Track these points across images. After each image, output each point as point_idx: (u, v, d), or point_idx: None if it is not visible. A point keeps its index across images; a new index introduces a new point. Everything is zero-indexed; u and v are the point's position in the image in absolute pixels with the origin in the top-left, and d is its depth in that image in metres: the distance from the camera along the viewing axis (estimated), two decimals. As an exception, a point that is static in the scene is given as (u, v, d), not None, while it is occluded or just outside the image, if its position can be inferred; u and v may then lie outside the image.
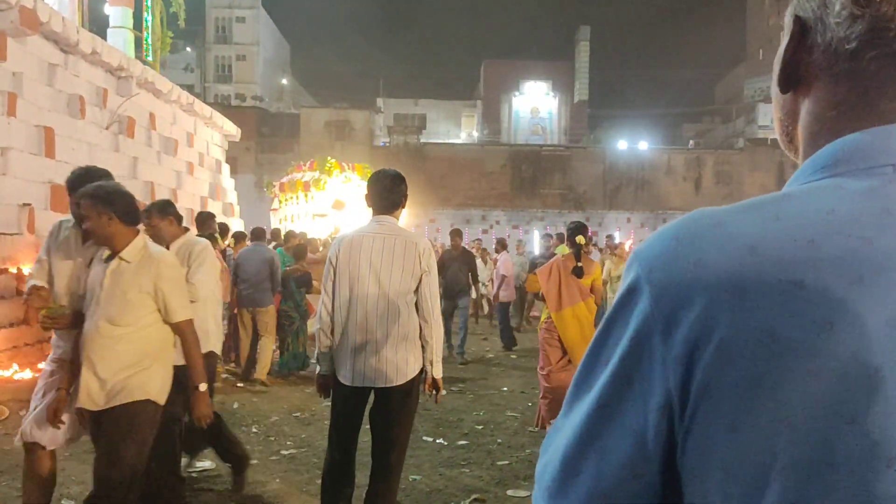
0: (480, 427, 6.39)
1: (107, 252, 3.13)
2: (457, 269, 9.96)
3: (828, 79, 0.72)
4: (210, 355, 4.32)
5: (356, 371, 3.43)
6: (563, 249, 6.23)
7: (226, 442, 4.62)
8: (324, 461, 3.65)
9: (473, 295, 11.02)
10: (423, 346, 3.54)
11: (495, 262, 12.89)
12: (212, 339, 4.49)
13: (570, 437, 0.70)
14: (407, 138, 36.14)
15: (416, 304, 3.51)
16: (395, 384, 3.44)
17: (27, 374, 7.56)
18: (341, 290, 3.46)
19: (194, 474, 4.87)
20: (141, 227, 3.30)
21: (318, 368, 3.59)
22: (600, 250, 14.91)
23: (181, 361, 3.35)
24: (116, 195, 3.10)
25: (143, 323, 3.11)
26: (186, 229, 4.48)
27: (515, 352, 10.97)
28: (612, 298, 8.32)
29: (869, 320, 0.59)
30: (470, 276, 10.18)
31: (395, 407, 3.47)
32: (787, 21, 0.76)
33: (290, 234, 10.35)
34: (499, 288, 11.77)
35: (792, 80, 0.76)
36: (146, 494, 3.33)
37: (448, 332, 9.69)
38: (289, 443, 5.75)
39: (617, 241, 17.14)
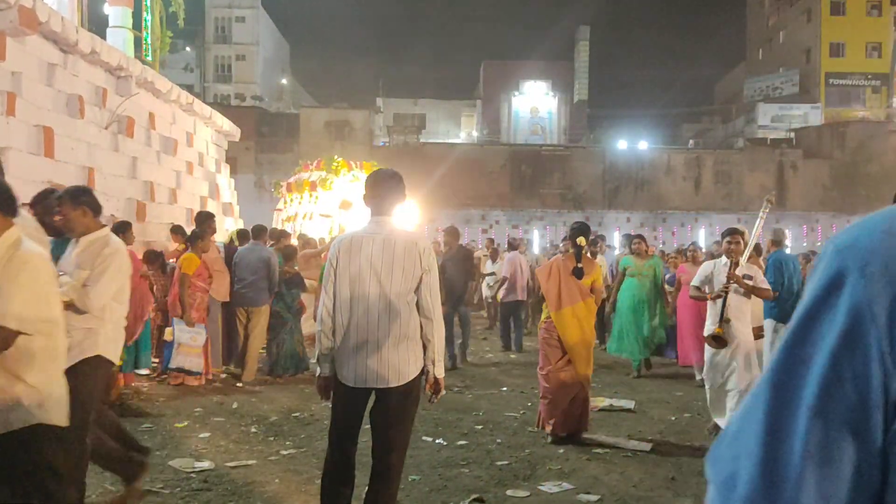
0: (480, 427, 6.38)
1: None
2: (454, 271, 9.37)
3: None
4: (99, 360, 3.83)
5: (357, 372, 3.43)
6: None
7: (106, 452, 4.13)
8: (324, 461, 3.64)
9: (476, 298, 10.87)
10: (424, 346, 3.54)
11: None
12: (110, 346, 3.92)
13: (769, 442, 0.65)
14: (406, 138, 36.14)
15: (417, 303, 3.51)
16: (395, 385, 3.43)
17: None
18: (341, 291, 3.45)
19: (192, 475, 4.87)
20: (22, 218, 2.92)
21: (318, 370, 3.59)
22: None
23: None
24: None
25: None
26: (104, 225, 4.02)
27: (514, 352, 10.94)
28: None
29: None
30: (466, 277, 9.81)
31: (396, 407, 3.47)
32: None
33: (279, 233, 10.25)
34: (499, 289, 11.48)
35: None
36: None
37: (450, 341, 9.02)
38: (288, 443, 5.75)
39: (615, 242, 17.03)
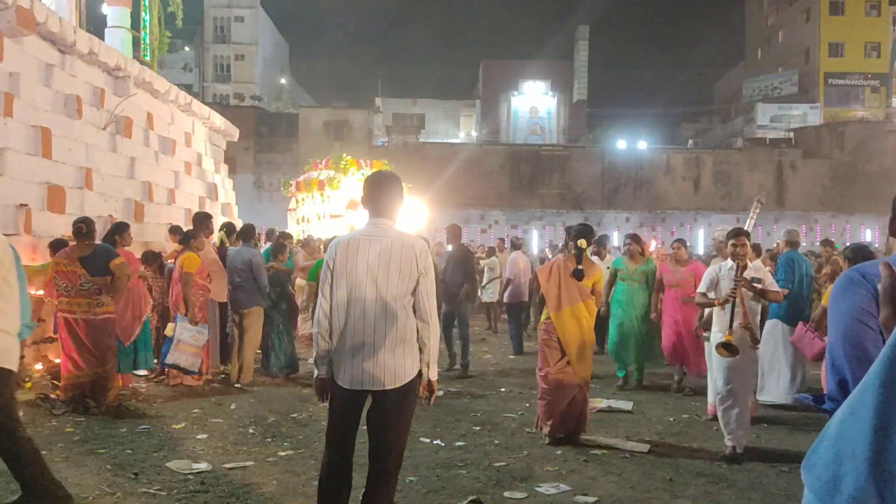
0: (478, 428, 6.38)
1: None
2: (453, 271, 9.08)
3: None
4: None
5: (354, 374, 3.43)
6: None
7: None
8: (321, 463, 3.64)
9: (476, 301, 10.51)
10: (420, 348, 3.54)
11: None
12: (10, 355, 3.93)
13: (878, 444, 0.63)
14: (406, 138, 36.11)
15: (414, 306, 3.51)
16: (392, 387, 3.43)
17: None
18: (338, 293, 3.45)
19: (190, 476, 4.87)
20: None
21: (315, 371, 3.59)
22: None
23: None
24: None
25: None
26: None
27: (514, 353, 10.92)
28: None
29: None
30: (465, 277, 9.16)
31: (393, 409, 3.47)
32: None
33: (270, 232, 10.20)
34: (504, 291, 11.30)
35: None
36: None
37: (449, 343, 9.01)
38: (286, 444, 5.74)
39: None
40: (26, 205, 8.29)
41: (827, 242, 11.10)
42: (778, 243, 8.45)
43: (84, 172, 9.72)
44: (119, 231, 7.51)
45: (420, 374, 3.55)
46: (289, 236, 10.36)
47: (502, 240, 15.30)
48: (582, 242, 5.89)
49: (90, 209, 9.69)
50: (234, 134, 17.73)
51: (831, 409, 0.86)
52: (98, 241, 6.88)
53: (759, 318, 5.91)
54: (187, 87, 34.03)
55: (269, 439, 5.88)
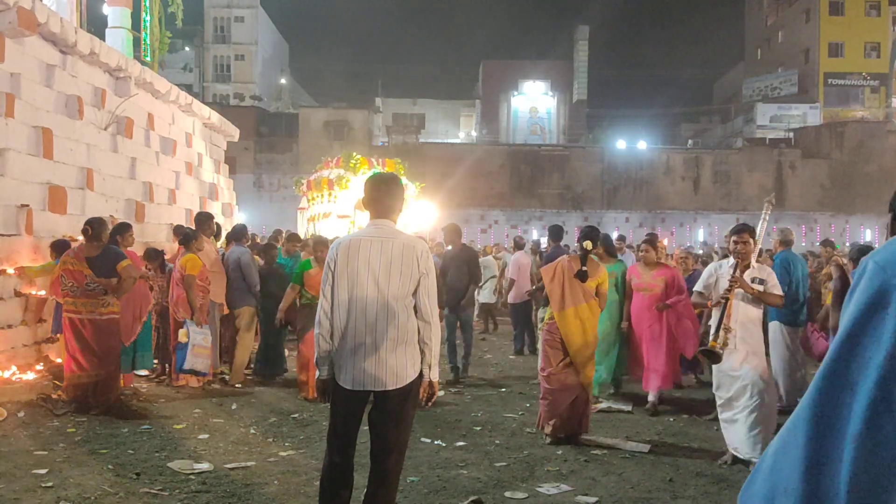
0: (479, 428, 6.39)
1: None
2: (456, 272, 8.56)
3: None
4: None
5: (355, 374, 3.44)
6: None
7: None
8: (323, 463, 3.65)
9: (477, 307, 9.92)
10: (421, 349, 3.55)
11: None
12: None
13: (813, 475, 0.61)
14: (405, 138, 36.11)
15: (415, 306, 3.52)
16: (393, 388, 3.44)
17: (27, 376, 7.55)
18: (339, 293, 3.46)
19: (191, 476, 4.88)
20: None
21: (317, 372, 3.60)
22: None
23: None
24: None
25: None
26: None
27: (527, 353, 10.86)
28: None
29: None
30: (471, 279, 8.73)
31: (394, 410, 3.48)
32: None
33: (286, 235, 10.20)
34: (508, 291, 11.14)
35: None
36: None
37: (451, 349, 8.59)
38: (287, 444, 5.75)
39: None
40: (27, 205, 8.30)
41: (827, 243, 11.10)
42: (773, 242, 8.20)
43: (85, 173, 9.74)
44: (120, 231, 7.53)
45: (421, 374, 3.56)
46: (297, 238, 10.30)
47: (519, 237, 14.82)
48: (587, 244, 5.91)
49: (91, 209, 9.70)
50: (235, 134, 17.74)
51: None
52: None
53: (758, 325, 5.42)
54: (187, 88, 34.05)
55: (271, 439, 5.89)
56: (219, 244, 9.42)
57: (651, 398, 7.14)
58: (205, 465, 5.10)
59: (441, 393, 6.72)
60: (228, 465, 5.13)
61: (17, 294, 7.95)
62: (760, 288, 5.25)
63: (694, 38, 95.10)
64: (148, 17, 14.35)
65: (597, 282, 5.96)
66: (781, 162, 35.99)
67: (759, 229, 5.66)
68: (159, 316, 8.20)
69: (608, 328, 7.37)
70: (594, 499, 4.62)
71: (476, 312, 10.88)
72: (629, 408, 7.20)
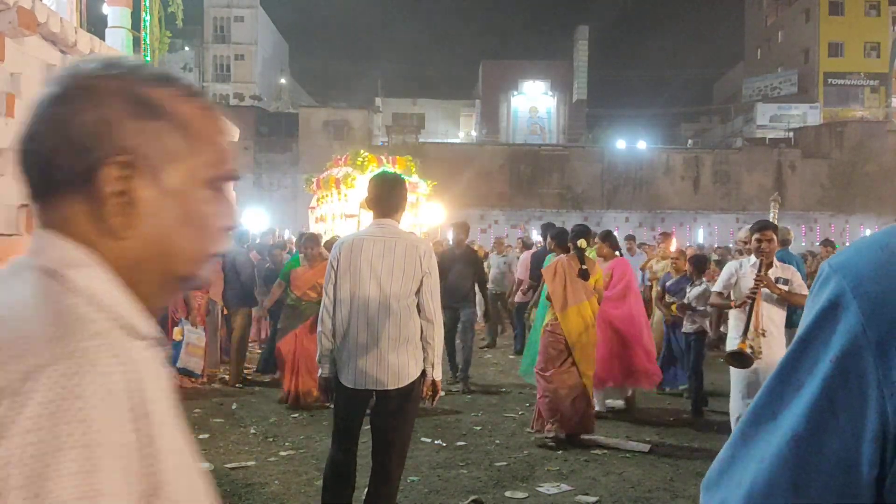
0: (479, 428, 6.39)
1: None
2: (459, 273, 8.32)
3: None
4: None
5: (357, 373, 3.45)
6: (591, 252, 6.21)
7: None
8: (326, 461, 3.66)
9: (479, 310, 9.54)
10: (424, 348, 3.55)
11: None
12: None
13: (757, 471, 0.62)
14: (405, 138, 36.12)
15: (418, 305, 3.53)
16: (395, 387, 3.45)
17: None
18: (342, 292, 3.49)
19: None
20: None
21: (319, 371, 3.62)
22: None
23: None
24: None
25: None
26: None
27: (513, 351, 10.91)
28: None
29: None
30: (476, 281, 8.61)
31: (396, 410, 3.48)
32: None
33: (300, 236, 10.12)
34: (515, 293, 11.01)
35: None
36: None
37: (450, 351, 8.36)
38: (287, 444, 5.75)
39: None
40: (27, 205, 8.31)
41: (827, 242, 11.11)
42: None
43: (85, 172, 9.74)
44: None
45: (423, 374, 3.57)
46: (314, 238, 10.01)
47: (522, 239, 14.59)
48: (582, 242, 5.94)
49: (91, 209, 9.71)
50: (234, 134, 17.73)
51: None
52: None
53: (781, 329, 5.09)
54: (187, 87, 33.91)
55: (271, 439, 5.90)
56: None
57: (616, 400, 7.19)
58: (205, 465, 5.09)
59: (442, 393, 6.71)
60: (229, 465, 5.13)
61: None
62: (786, 288, 4.94)
63: (694, 38, 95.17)
64: (148, 17, 14.33)
65: (594, 279, 5.99)
66: (781, 162, 36.00)
67: None
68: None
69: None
70: (594, 498, 4.62)
71: (480, 314, 10.63)
72: (622, 404, 7.21)
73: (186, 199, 0.78)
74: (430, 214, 12.82)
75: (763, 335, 4.83)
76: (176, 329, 7.51)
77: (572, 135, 44.48)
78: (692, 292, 7.27)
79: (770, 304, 4.95)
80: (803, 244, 28.45)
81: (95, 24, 14.02)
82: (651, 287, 9.12)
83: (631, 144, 39.07)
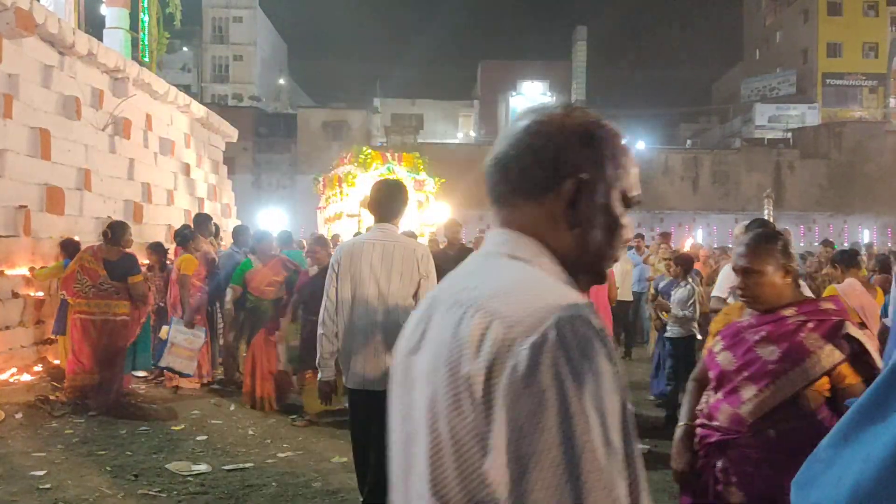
0: (478, 429, 6.37)
1: None
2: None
3: None
4: None
5: (357, 374, 3.54)
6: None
7: None
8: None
9: None
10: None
11: None
12: None
13: (862, 471, 0.63)
14: (404, 138, 36.09)
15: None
16: (394, 388, 3.48)
17: (24, 377, 7.54)
18: (343, 295, 3.58)
19: (189, 478, 4.87)
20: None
21: (319, 374, 3.69)
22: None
23: None
24: None
25: None
26: None
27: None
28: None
29: None
30: None
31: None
32: None
33: (313, 238, 10.06)
34: None
35: None
36: None
37: None
38: (285, 445, 5.74)
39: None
40: (25, 206, 8.29)
41: (826, 243, 11.12)
42: None
43: (83, 173, 9.72)
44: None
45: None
46: (321, 240, 9.92)
47: None
48: None
49: (89, 210, 9.70)
50: (233, 134, 17.72)
51: None
52: (127, 250, 6.87)
53: None
54: (186, 88, 33.99)
55: (269, 441, 5.88)
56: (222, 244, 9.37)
57: None
58: (203, 467, 5.09)
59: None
60: (227, 467, 5.12)
61: (15, 295, 7.93)
62: None
63: (693, 38, 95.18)
64: (146, 18, 14.34)
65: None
66: (780, 162, 36.04)
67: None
68: (157, 316, 8.16)
69: None
70: (594, 500, 4.61)
71: None
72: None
73: (610, 212, 1.01)
74: (437, 213, 12.71)
75: None
76: (163, 328, 7.49)
77: (571, 135, 44.46)
78: (675, 295, 6.79)
79: None
80: (802, 244, 28.46)
81: (93, 25, 14.03)
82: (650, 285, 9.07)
83: (630, 144, 39.07)
